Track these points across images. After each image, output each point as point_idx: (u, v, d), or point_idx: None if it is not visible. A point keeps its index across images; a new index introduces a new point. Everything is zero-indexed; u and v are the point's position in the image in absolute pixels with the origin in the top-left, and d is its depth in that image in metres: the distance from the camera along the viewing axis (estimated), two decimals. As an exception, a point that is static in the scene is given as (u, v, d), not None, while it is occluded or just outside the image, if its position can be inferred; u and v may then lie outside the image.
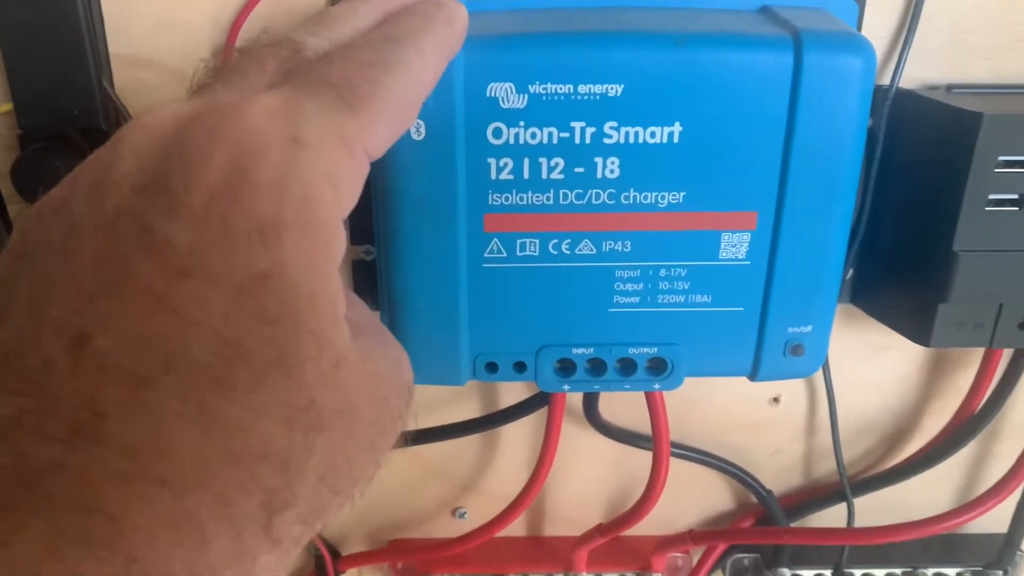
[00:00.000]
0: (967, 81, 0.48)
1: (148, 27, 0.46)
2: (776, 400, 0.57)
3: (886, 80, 0.47)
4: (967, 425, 0.55)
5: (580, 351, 0.43)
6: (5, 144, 0.47)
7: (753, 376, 0.44)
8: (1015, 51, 0.47)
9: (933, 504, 0.54)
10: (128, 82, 0.47)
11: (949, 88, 0.47)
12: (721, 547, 0.60)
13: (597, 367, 0.44)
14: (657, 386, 0.44)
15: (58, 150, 0.44)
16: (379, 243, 0.41)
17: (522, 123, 0.38)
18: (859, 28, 0.46)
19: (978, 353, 0.53)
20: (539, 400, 0.52)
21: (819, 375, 0.55)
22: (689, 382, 0.55)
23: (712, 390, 0.57)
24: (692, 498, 0.61)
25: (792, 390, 0.57)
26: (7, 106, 0.46)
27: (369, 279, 0.50)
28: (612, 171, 0.39)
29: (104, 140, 0.44)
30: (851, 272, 0.51)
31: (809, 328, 0.43)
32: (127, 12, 0.45)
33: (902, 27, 0.46)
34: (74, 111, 0.45)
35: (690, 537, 0.57)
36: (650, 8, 0.41)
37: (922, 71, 0.48)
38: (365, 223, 0.49)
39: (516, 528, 0.61)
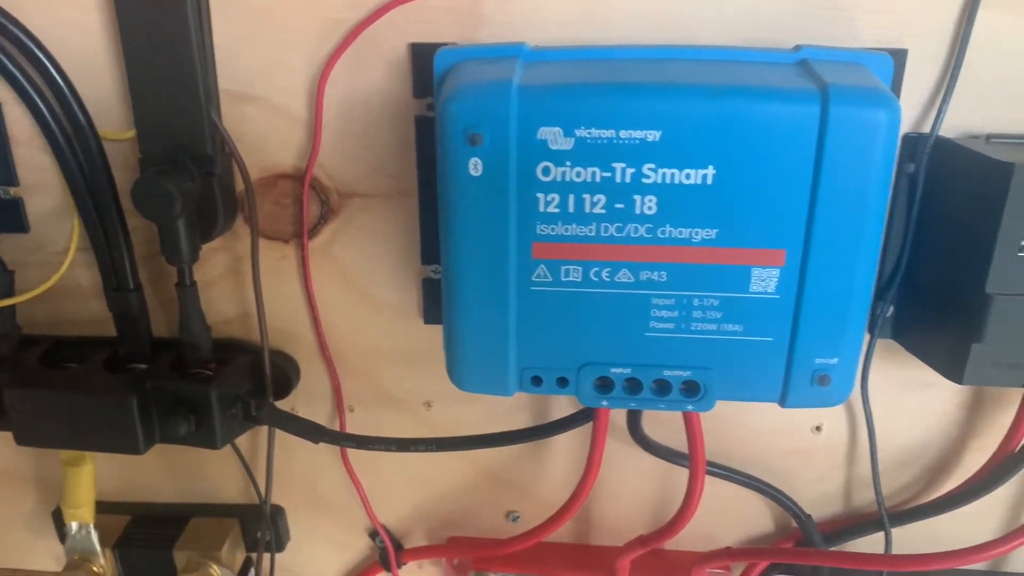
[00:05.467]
0: (1011, 131, 0.50)
1: (253, 66, 0.52)
2: (818, 429, 0.59)
3: (927, 128, 0.49)
4: (1007, 463, 0.56)
5: (618, 370, 0.47)
6: (128, 165, 0.54)
7: (782, 403, 0.47)
8: (1059, 103, 0.49)
9: (973, 539, 0.55)
10: (234, 114, 0.53)
11: (988, 138, 0.49)
12: (761, 566, 0.62)
13: (634, 386, 0.47)
14: (690, 407, 0.47)
15: (171, 173, 0.50)
16: (443, 264, 0.46)
17: (568, 163, 0.42)
18: (897, 81, 0.48)
19: (1020, 392, 0.55)
20: (586, 415, 0.55)
21: (860, 407, 0.57)
22: (734, 408, 0.59)
23: (756, 416, 0.59)
24: (734, 518, 0.63)
25: (834, 420, 0.59)
26: (131, 132, 0.53)
27: (437, 294, 0.55)
28: (650, 208, 0.43)
29: (211, 166, 0.51)
30: (892, 309, 0.54)
31: (836, 360, 0.45)
32: (235, 53, 0.52)
33: (943, 78, 0.49)
34: (186, 139, 0.51)
35: (727, 554, 0.60)
36: (693, 60, 0.45)
37: (966, 120, 0.50)
38: (435, 245, 0.54)
39: (564, 535, 0.65)
